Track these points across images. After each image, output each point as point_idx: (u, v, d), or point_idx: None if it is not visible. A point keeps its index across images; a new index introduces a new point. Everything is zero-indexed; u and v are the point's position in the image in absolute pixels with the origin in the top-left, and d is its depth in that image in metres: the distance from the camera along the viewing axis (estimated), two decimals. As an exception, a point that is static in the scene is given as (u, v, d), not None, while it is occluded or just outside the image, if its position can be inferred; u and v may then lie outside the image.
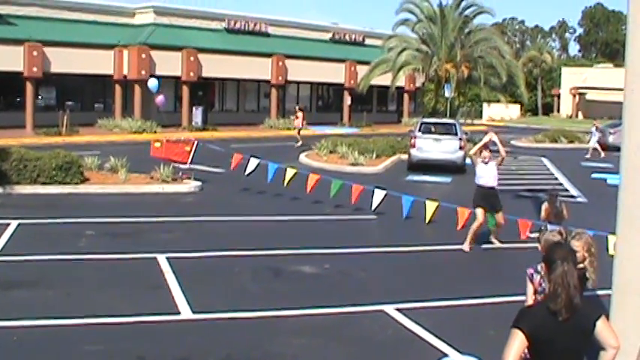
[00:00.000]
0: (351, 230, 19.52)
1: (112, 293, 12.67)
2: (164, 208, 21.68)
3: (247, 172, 23.22)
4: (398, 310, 12.05)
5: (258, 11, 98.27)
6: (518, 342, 5.33)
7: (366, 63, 55.36)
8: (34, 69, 48.69)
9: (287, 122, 59.41)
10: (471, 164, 18.71)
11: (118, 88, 55.10)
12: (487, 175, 17.48)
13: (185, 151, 25.98)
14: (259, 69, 60.45)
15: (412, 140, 33.84)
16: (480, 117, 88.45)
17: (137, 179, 25.39)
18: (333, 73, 66.17)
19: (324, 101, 74.88)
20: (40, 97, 53.05)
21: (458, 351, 10.13)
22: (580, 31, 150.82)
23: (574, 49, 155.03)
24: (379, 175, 31.28)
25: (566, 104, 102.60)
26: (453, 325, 11.46)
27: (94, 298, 12.37)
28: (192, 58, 55.61)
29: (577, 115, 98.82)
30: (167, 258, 15.00)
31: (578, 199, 26.00)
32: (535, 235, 16.90)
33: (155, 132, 48.36)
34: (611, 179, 29.40)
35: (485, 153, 17.57)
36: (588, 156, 44.35)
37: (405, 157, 35.64)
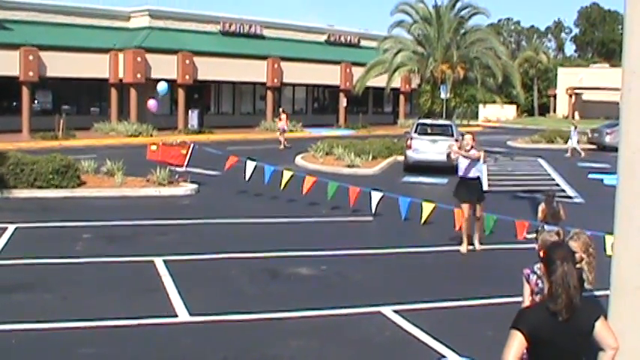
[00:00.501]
0: (348, 232, 19.51)
1: (109, 296, 12.66)
2: (161, 211, 21.66)
3: (247, 176, 23.20)
4: (395, 311, 12.03)
5: (253, 14, 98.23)
6: (517, 343, 5.32)
7: (362, 65, 55.38)
8: (30, 73, 48.71)
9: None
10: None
11: (113, 92, 55.13)
12: (470, 165, 17.23)
13: (181, 154, 25.96)
14: (255, 71, 60.48)
15: (408, 141, 33.84)
16: (476, 118, 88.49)
17: (133, 182, 25.37)
18: (328, 75, 66.21)
19: (320, 103, 74.91)
20: (36, 102, 53.06)
21: (456, 353, 10.13)
22: (576, 31, 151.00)
23: (570, 49, 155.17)
24: (375, 176, 31.28)
25: (563, 104, 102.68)
26: (451, 327, 11.45)
27: (91, 301, 12.35)
28: (187, 61, 55.64)
29: (573, 116, 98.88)
30: (164, 261, 14.99)
31: (575, 200, 26.00)
32: (532, 236, 16.93)
33: (151, 135, 48.33)
34: (608, 179, 29.39)
35: (468, 140, 17.39)
36: (568, 155, 44.57)
37: (401, 158, 35.66)
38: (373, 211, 20.41)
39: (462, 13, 48.05)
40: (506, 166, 37.85)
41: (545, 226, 16.30)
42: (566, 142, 48.78)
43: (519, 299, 7.90)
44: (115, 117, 54.60)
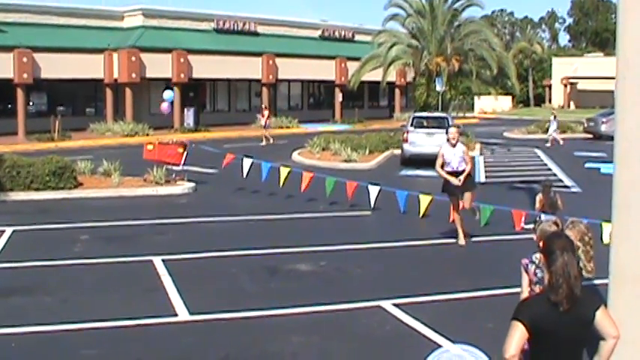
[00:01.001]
0: (346, 227, 19.51)
1: (109, 297, 12.65)
2: (158, 210, 21.65)
3: (244, 173, 23.20)
4: (395, 305, 12.04)
5: (247, 11, 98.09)
6: (518, 334, 5.32)
7: (357, 59, 55.32)
8: (25, 75, 48.58)
9: (279, 121, 59.43)
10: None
11: (109, 92, 55.04)
12: (456, 158, 16.80)
13: (178, 152, 25.96)
14: (250, 68, 60.42)
15: (404, 135, 33.86)
16: (472, 110, 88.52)
17: (130, 182, 25.36)
18: (323, 71, 66.18)
19: (316, 99, 74.83)
20: (31, 103, 52.91)
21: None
22: (569, 20, 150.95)
23: (564, 39, 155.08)
24: (373, 170, 31.30)
25: (558, 94, 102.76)
26: (451, 319, 11.45)
27: (91, 302, 12.35)
28: (182, 60, 55.56)
29: (569, 105, 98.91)
30: (163, 260, 14.98)
31: (573, 189, 26.02)
32: (530, 226, 16.91)
33: (147, 134, 48.27)
34: (605, 168, 29.37)
35: (454, 132, 17.05)
36: (548, 145, 44.65)
37: (398, 152, 35.68)
38: (372, 205, 20.42)
39: (456, 5, 48.03)
40: (503, 158, 37.86)
41: (542, 215, 16.33)
42: (563, 132, 48.87)
43: (518, 290, 7.89)
44: (111, 117, 54.51)
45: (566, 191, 24.49)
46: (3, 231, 17.90)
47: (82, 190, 24.20)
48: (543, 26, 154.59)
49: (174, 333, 10.93)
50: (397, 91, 73.23)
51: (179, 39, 56.94)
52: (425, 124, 34.94)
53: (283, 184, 22.11)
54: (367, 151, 35.70)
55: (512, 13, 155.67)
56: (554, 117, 46.93)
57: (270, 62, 61.51)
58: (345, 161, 33.13)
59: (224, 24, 61.91)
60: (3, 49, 47.90)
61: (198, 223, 19.81)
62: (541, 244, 5.81)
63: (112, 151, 35.90)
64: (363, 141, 37.26)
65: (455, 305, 12.30)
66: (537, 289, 7.42)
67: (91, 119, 54.53)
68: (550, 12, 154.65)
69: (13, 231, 18.00)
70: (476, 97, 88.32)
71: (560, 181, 27.69)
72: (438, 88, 46.26)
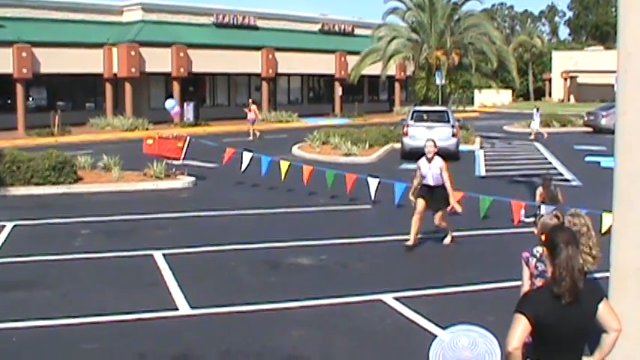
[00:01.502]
0: (347, 220, 19.52)
1: (109, 291, 12.65)
2: (158, 204, 21.65)
3: (243, 167, 23.20)
4: (396, 299, 12.05)
5: (246, 5, 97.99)
6: (521, 327, 5.32)
7: (356, 53, 55.27)
8: (24, 70, 48.58)
9: (279, 115, 59.55)
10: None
11: (108, 87, 55.00)
12: (431, 173, 15.85)
13: (178, 147, 25.98)
14: (249, 62, 60.44)
15: (404, 129, 33.87)
16: (472, 103, 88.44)
17: (130, 177, 25.37)
18: (323, 64, 66.20)
19: (315, 93, 74.86)
20: (30, 98, 52.94)
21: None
22: (570, 14, 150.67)
23: (564, 32, 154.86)
24: (373, 164, 31.30)
25: (558, 88, 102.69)
26: (452, 312, 11.43)
27: (91, 296, 12.34)
28: (181, 54, 55.57)
29: (569, 99, 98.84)
30: (163, 254, 14.99)
31: (573, 183, 26.04)
32: (530, 219, 16.91)
33: (147, 129, 48.26)
34: (605, 162, 29.38)
35: (430, 147, 15.95)
36: (532, 137, 44.82)
37: (398, 146, 35.67)
38: (372, 197, 20.41)
39: (456, -1, 48.05)
40: (503, 151, 37.86)
41: (542, 207, 16.35)
42: (563, 125, 48.94)
43: (519, 283, 7.89)
44: (111, 112, 54.49)
45: (566, 185, 24.50)
46: (3, 226, 17.90)
47: (82, 185, 24.21)
48: (543, 20, 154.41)
49: (175, 327, 10.94)
50: (397, 85, 73.26)
51: (178, 33, 56.92)
52: (425, 117, 34.94)
53: (284, 177, 22.09)
54: (367, 145, 35.70)
55: (512, 7, 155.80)
56: (537, 110, 47.17)
57: (270, 56, 61.51)
58: (345, 155, 33.14)
59: (223, 18, 61.88)
60: (2, 44, 47.87)
61: (199, 217, 19.81)
62: (543, 237, 5.80)
63: (112, 146, 35.90)
64: (363, 135, 37.27)
65: (455, 298, 12.30)
66: (538, 282, 7.41)
67: (91, 114, 54.52)
68: (550, 5, 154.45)
69: (14, 226, 18.01)
70: (476, 91, 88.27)
71: (560, 174, 27.70)
72: (438, 81, 46.23)
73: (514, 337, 5.29)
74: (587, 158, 33.47)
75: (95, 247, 15.93)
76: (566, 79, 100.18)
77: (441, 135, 32.99)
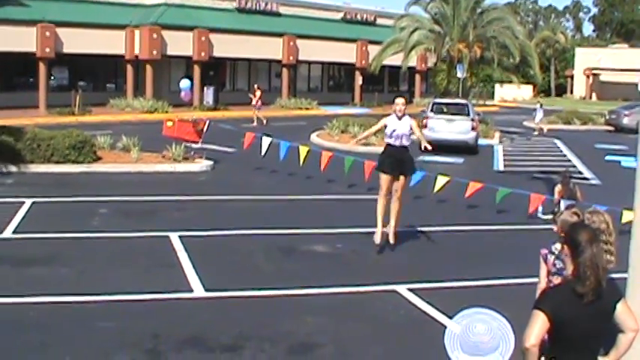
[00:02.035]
0: (363, 209, 19.45)
1: (125, 271, 12.73)
2: (176, 187, 21.72)
3: (262, 152, 23.19)
4: (410, 290, 12.06)
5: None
6: (540, 323, 5.30)
7: (378, 43, 55.20)
8: (47, 49, 48.76)
9: (298, 102, 59.53)
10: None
11: (129, 68, 55.12)
12: (400, 131, 14.67)
13: (197, 130, 26.02)
14: (270, 49, 60.38)
15: (424, 121, 33.76)
16: (492, 98, 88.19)
17: (149, 158, 25.44)
18: (344, 53, 66.10)
19: (336, 81, 74.83)
20: (52, 78, 53.10)
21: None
22: (594, 10, 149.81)
23: (588, 29, 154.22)
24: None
25: (580, 85, 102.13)
26: (465, 306, 11.42)
27: (107, 275, 12.42)
28: (203, 38, 55.56)
29: (591, 97, 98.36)
30: (179, 236, 15.04)
31: (592, 182, 25.94)
32: (548, 216, 16.89)
33: (167, 112, 48.29)
34: (626, 161, 29.28)
35: (400, 103, 14.79)
36: (536, 133, 44.73)
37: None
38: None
39: (479, -9, 47.89)
40: (522, 147, 37.76)
41: (562, 202, 16.33)
42: (584, 123, 48.86)
43: (535, 280, 7.87)
44: (131, 93, 54.62)
45: (585, 183, 24.42)
46: (22, 202, 18.01)
47: (101, 165, 24.31)
48: (567, 15, 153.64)
49: (189, 308, 10.99)
50: (417, 77, 73.07)
51: (201, 17, 56.91)
52: (445, 110, 34.85)
53: (303, 163, 22.05)
54: (386, 136, 35.54)
55: (536, 1, 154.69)
56: (541, 106, 47.10)
57: (291, 43, 61.47)
58: (364, 144, 33.06)
59: (246, 3, 61.80)
60: (26, 23, 48.05)
61: (216, 201, 19.86)
62: (563, 234, 5.78)
63: (131, 127, 35.94)
64: (382, 125, 37.10)
65: (470, 292, 12.27)
66: (555, 279, 7.39)
67: (111, 95, 54.67)
68: (575, 1, 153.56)
69: (33, 202, 18.11)
70: (497, 85, 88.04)
71: (580, 172, 27.59)
72: (459, 74, 46.13)
73: (532, 334, 5.27)
74: (608, 157, 33.33)
75: (112, 227, 16.01)
76: (588, 77, 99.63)
77: (461, 128, 32.98)
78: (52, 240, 14.78)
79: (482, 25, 46.86)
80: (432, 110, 34.44)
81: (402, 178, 14.85)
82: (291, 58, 61.79)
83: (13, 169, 23.00)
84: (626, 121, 47.80)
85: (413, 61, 56.61)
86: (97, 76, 57.49)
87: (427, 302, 11.41)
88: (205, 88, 55.03)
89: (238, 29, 58.33)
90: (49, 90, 49.61)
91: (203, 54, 55.70)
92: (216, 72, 61.08)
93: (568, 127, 51.86)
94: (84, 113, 45.44)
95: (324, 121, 40.19)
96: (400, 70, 54.18)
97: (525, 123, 53.20)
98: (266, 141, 23.17)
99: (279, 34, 60.88)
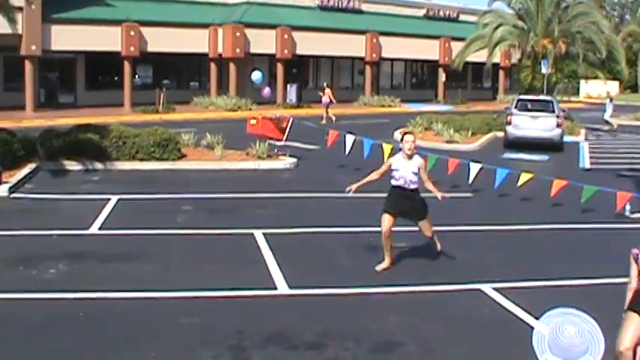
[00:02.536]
0: (447, 208, 19.32)
1: (210, 268, 12.80)
2: (260, 184, 21.81)
3: (346, 150, 23.13)
4: (495, 289, 11.92)
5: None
6: (634, 326, 5.19)
7: (461, 39, 54.96)
8: (132, 48, 49.50)
9: (381, 100, 59.45)
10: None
11: (213, 67, 55.62)
12: (407, 173, 13.12)
13: (280, 128, 26.10)
14: (353, 46, 60.41)
15: (508, 117, 33.46)
16: (577, 94, 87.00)
17: (233, 156, 25.59)
18: (427, 50, 65.87)
19: (419, 78, 74.61)
20: (137, 76, 53.88)
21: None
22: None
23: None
24: (475, 152, 30.97)
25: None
26: (551, 306, 11.26)
27: (192, 272, 12.51)
28: (286, 36, 55.80)
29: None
30: (264, 234, 15.09)
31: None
32: (637, 215, 16.60)
33: (250, 109, 48.70)
34: None
35: (409, 141, 13.01)
36: (606, 128, 44.05)
37: (501, 134, 35.28)
38: (471, 181, 20.19)
39: (563, -14, 47.32)
40: (609, 144, 37.17)
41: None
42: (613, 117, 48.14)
43: (624, 280, 7.70)
44: (215, 91, 55.13)
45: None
46: (108, 199, 18.28)
47: (186, 162, 24.53)
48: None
49: (273, 306, 11.00)
50: (501, 73, 72.46)
51: (283, 15, 57.15)
52: (529, 106, 34.41)
53: (387, 159, 21.92)
54: (470, 133, 35.34)
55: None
56: (610, 100, 46.31)
57: (374, 40, 61.41)
58: (448, 142, 32.89)
59: (328, 1, 61.95)
60: (111, 22, 48.85)
61: (300, 198, 19.89)
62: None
63: (215, 125, 36.22)
64: (465, 122, 36.90)
65: (556, 292, 12.07)
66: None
67: (195, 93, 55.30)
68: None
69: (118, 199, 18.37)
70: (582, 81, 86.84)
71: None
72: (544, 70, 45.62)
73: (626, 337, 5.16)
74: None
75: (197, 224, 16.13)
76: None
77: (546, 125, 32.58)
78: (138, 236, 14.96)
79: (567, 20, 46.30)
80: (516, 107, 34.05)
81: (422, 223, 13.49)
82: (373, 55, 61.73)
83: (99, 166, 23.35)
84: None
85: (497, 58, 56.20)
86: (181, 74, 58.17)
87: (512, 301, 11.25)
88: (288, 86, 55.32)
89: (321, 27, 58.46)
90: (133, 88, 50.39)
91: (286, 52, 55.95)
92: (299, 70, 61.33)
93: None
94: (168, 111, 46.00)
95: (407, 118, 40.09)
96: (484, 66, 53.83)
97: (610, 119, 52.41)
98: (350, 139, 23.13)
99: (362, 32, 60.87)
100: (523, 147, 31.72)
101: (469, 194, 20.51)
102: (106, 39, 48.72)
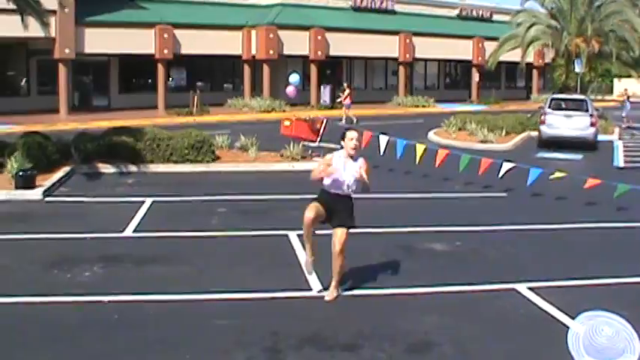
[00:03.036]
0: (481, 207, 19.34)
1: (244, 269, 12.83)
2: (294, 185, 21.75)
3: (380, 151, 23.13)
4: (530, 289, 11.87)
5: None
6: None
7: (494, 39, 54.87)
8: (165, 51, 49.73)
9: (415, 100, 59.38)
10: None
11: (246, 68, 55.77)
12: (347, 176, 11.54)
13: (314, 129, 26.14)
14: (386, 47, 60.40)
15: (542, 117, 33.37)
16: (611, 92, 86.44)
17: (267, 157, 25.65)
18: (460, 50, 65.75)
19: (452, 78, 74.49)
20: (171, 79, 54.10)
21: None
22: None
23: None
24: (509, 152, 30.87)
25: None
26: (588, 306, 11.19)
27: (227, 274, 12.55)
28: (319, 37, 55.88)
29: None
30: (298, 235, 15.08)
31: None
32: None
33: (284, 111, 48.78)
34: None
35: (354, 138, 11.42)
36: (624, 126, 43.80)
37: (534, 134, 35.19)
38: (500, 175, 20.11)
39: (596, -15, 47.07)
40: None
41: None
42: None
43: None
44: (248, 93, 55.29)
45: None
46: (143, 201, 18.38)
47: (220, 164, 24.62)
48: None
49: (308, 307, 11.01)
50: (535, 72, 72.18)
51: (316, 17, 57.22)
52: (563, 106, 34.31)
53: (420, 160, 21.93)
54: (504, 132, 35.24)
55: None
56: (628, 98, 46.01)
57: (407, 41, 61.38)
58: (482, 142, 32.82)
59: (361, 2, 61.97)
60: (145, 25, 49.11)
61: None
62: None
63: (249, 127, 36.31)
64: (499, 122, 36.78)
65: (591, 291, 12.01)
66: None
67: (229, 94, 55.51)
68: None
69: (153, 202, 18.46)
70: (615, 80, 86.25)
71: None
72: (577, 69, 45.40)
73: None
74: None
75: (231, 226, 16.18)
76: None
77: (579, 124, 32.44)
78: (172, 239, 15.02)
79: (600, 19, 46.08)
80: (550, 106, 33.94)
81: (340, 230, 11.65)
82: (407, 55, 61.69)
83: (134, 169, 23.49)
84: None
85: (530, 57, 56.03)
86: (215, 76, 58.37)
87: (548, 301, 11.20)
88: (322, 87, 55.41)
89: (354, 28, 58.50)
90: (167, 91, 50.62)
91: (319, 53, 56.03)
92: (333, 71, 61.34)
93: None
94: (202, 113, 46.19)
95: (441, 118, 40.00)
96: (517, 66, 53.60)
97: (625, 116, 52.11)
98: (383, 139, 23.13)
99: (395, 32, 60.85)
100: (557, 146, 31.60)
101: (503, 194, 20.47)
102: (140, 41, 48.99)
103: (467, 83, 70.47)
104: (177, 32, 50.50)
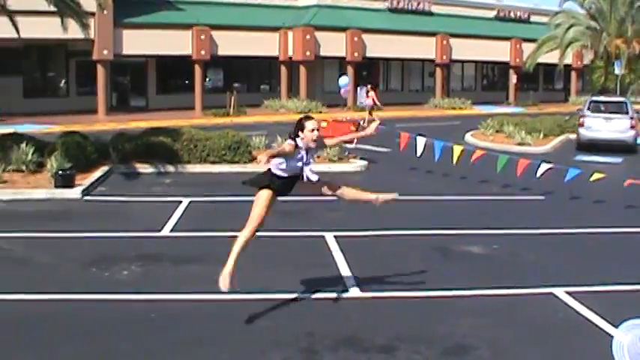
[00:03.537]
0: (519, 210, 19.23)
1: (282, 270, 12.84)
2: (330, 187, 21.78)
3: (418, 152, 23.08)
4: (568, 293, 11.76)
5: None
6: None
7: (532, 41, 54.62)
8: (202, 52, 49.95)
9: (452, 102, 59.19)
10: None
11: (283, 69, 55.89)
12: (306, 170, 11.47)
13: (351, 130, 26.13)
14: (423, 48, 60.26)
15: (581, 119, 33.13)
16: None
17: (304, 158, 25.60)
18: (498, 52, 65.44)
19: (489, 80, 74.18)
20: (208, 79, 54.32)
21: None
22: None
23: None
24: (547, 154, 30.66)
25: None
26: (628, 311, 11.09)
27: (263, 274, 12.54)
28: (356, 39, 55.85)
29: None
30: (335, 236, 15.10)
31: None
32: None
33: (320, 112, 48.76)
34: None
35: (315, 128, 10.65)
36: None
37: (573, 136, 34.95)
38: (538, 175, 20.02)
39: (637, -15, 46.65)
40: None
41: None
42: None
43: None
44: (285, 94, 55.40)
45: None
46: (180, 201, 18.46)
47: (257, 165, 24.56)
48: None
49: (344, 309, 10.99)
50: (573, 74, 71.60)
51: (353, 18, 57.21)
52: (602, 108, 33.99)
53: (457, 161, 21.82)
54: (542, 135, 35.04)
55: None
56: None
57: (444, 42, 61.21)
58: (519, 144, 32.66)
59: (398, 3, 61.87)
60: (182, 26, 49.38)
61: (370, 201, 19.83)
62: None
63: (285, 128, 36.00)
64: (537, 124, 36.55)
65: (632, 297, 11.88)
66: None
67: (265, 95, 55.66)
68: None
69: (190, 202, 18.53)
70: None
71: None
72: (617, 71, 45.02)
73: None
74: None
75: (268, 226, 16.07)
76: None
77: (619, 127, 32.16)
78: (209, 238, 15.07)
79: (641, 20, 45.70)
80: (588, 108, 33.67)
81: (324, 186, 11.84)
82: (444, 57, 61.54)
83: (171, 169, 23.59)
84: None
85: (568, 59, 55.58)
86: (251, 77, 58.51)
87: (586, 306, 11.10)
88: (359, 89, 55.32)
89: (391, 29, 58.43)
90: (204, 92, 50.86)
91: (356, 54, 56.00)
92: (370, 72, 61.30)
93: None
94: (239, 114, 46.33)
95: (478, 120, 39.85)
96: (555, 68, 53.30)
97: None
98: (421, 141, 23.07)
99: (432, 34, 60.71)
100: (596, 149, 31.37)
101: (541, 197, 20.35)
102: (177, 43, 49.24)
103: (504, 85, 70.18)
104: (214, 33, 50.70)
